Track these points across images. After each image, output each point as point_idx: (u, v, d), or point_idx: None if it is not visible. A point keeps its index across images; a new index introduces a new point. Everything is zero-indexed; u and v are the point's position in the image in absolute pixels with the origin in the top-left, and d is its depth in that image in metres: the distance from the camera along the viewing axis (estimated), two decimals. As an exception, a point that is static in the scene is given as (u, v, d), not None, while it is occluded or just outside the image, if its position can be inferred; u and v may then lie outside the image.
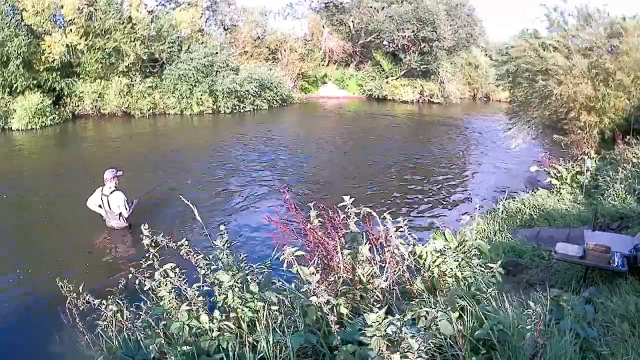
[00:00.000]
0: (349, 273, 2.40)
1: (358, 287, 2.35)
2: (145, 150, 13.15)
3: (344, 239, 2.50)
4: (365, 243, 2.51)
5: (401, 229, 2.50)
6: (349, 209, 2.54)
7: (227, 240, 2.62)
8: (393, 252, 2.40)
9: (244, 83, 20.85)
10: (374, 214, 2.50)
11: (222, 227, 2.69)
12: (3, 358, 3.96)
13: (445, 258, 2.55)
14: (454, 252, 2.62)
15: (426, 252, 2.56)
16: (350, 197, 2.55)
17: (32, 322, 4.31)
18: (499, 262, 2.48)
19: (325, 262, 2.53)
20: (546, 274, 4.46)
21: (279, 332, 2.02)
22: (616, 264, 3.79)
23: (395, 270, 2.41)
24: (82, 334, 2.45)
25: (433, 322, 1.94)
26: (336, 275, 2.42)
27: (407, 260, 2.44)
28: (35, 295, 4.87)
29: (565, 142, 10.42)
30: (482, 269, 2.50)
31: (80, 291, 2.54)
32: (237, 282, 2.29)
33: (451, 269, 2.47)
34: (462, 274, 2.49)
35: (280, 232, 2.60)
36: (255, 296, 2.21)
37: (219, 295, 2.29)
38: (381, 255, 2.49)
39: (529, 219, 6.77)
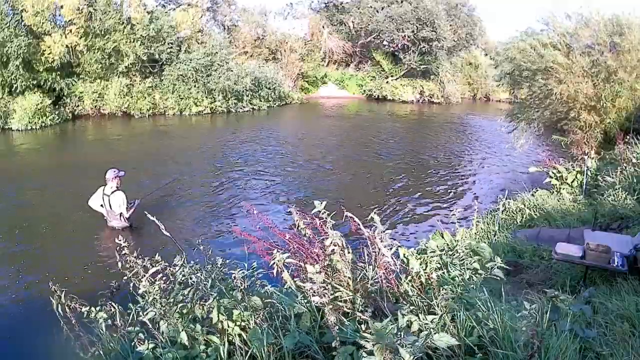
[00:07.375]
0: (336, 277, 2.34)
1: (348, 290, 2.30)
2: (145, 151, 13.14)
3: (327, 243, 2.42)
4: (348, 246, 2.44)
5: (385, 232, 2.43)
6: (323, 213, 2.45)
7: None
8: (378, 254, 2.34)
9: (238, 80, 20.72)
10: (355, 218, 2.44)
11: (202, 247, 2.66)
12: None
13: (428, 260, 2.49)
14: (448, 253, 2.58)
15: (409, 255, 2.52)
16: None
17: (28, 322, 4.30)
18: (496, 262, 2.43)
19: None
20: (546, 274, 4.45)
21: (272, 332, 2.00)
22: (616, 264, 3.79)
23: (383, 273, 2.36)
24: (78, 335, 2.44)
25: (427, 329, 1.92)
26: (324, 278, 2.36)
27: (392, 262, 2.38)
28: (33, 295, 4.86)
29: (565, 142, 10.41)
30: (478, 269, 2.46)
31: (77, 291, 2.53)
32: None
33: (438, 270, 2.42)
34: (450, 275, 2.43)
35: (255, 244, 2.56)
36: (241, 304, 2.17)
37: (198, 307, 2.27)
38: (367, 258, 2.43)
39: (529, 219, 6.75)
